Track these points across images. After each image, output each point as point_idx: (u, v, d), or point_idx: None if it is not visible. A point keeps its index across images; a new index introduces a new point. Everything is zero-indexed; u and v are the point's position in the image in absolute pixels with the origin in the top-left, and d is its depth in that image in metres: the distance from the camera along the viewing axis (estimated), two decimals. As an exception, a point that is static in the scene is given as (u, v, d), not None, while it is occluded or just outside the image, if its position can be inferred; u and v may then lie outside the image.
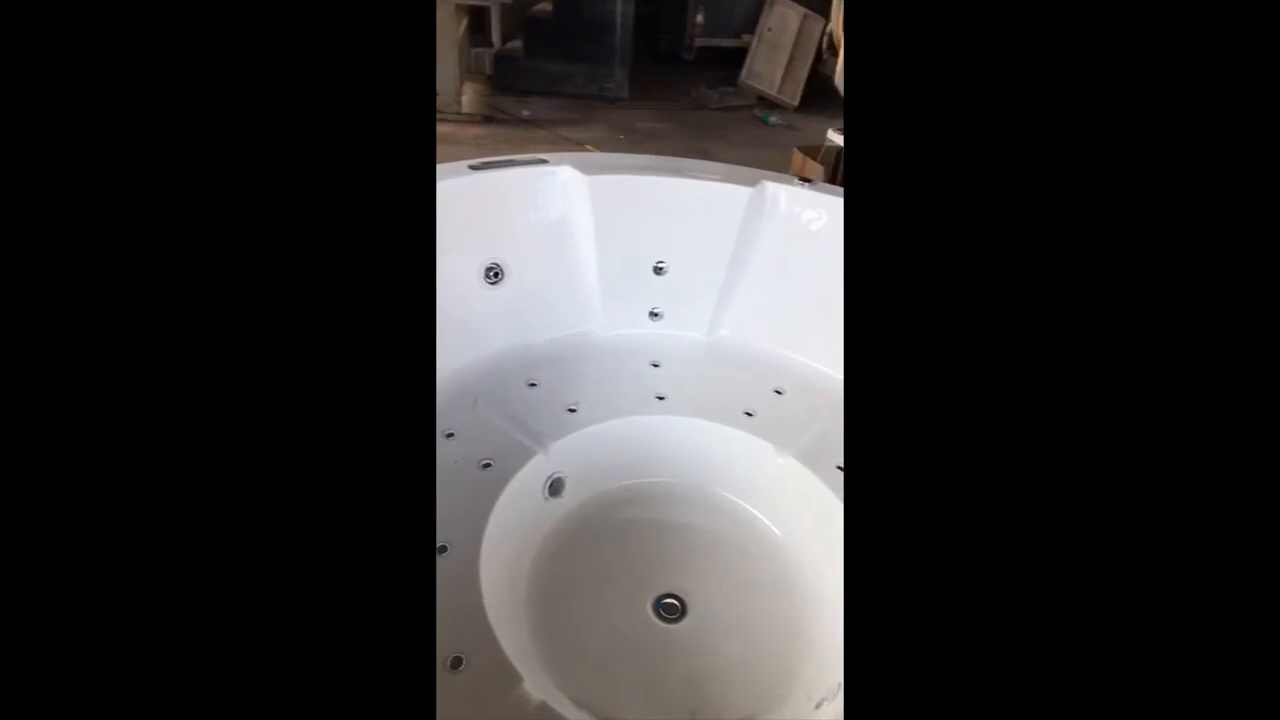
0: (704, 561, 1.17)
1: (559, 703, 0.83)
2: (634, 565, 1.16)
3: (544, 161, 1.35)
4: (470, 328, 1.32)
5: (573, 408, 1.27)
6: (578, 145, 3.81)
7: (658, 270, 1.44)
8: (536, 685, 0.84)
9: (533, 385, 1.32)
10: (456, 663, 0.86)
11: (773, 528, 1.21)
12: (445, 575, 0.96)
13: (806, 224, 1.38)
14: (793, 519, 1.19)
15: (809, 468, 1.18)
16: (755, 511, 1.24)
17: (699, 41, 5.49)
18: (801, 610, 1.09)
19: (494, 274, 1.35)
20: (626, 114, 4.52)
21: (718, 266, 1.43)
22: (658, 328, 1.45)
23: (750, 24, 5.13)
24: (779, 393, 1.36)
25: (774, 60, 4.89)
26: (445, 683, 0.84)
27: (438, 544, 0.99)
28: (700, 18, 5.41)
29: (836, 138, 2.84)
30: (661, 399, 1.31)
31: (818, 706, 0.90)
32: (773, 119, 4.68)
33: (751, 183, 1.36)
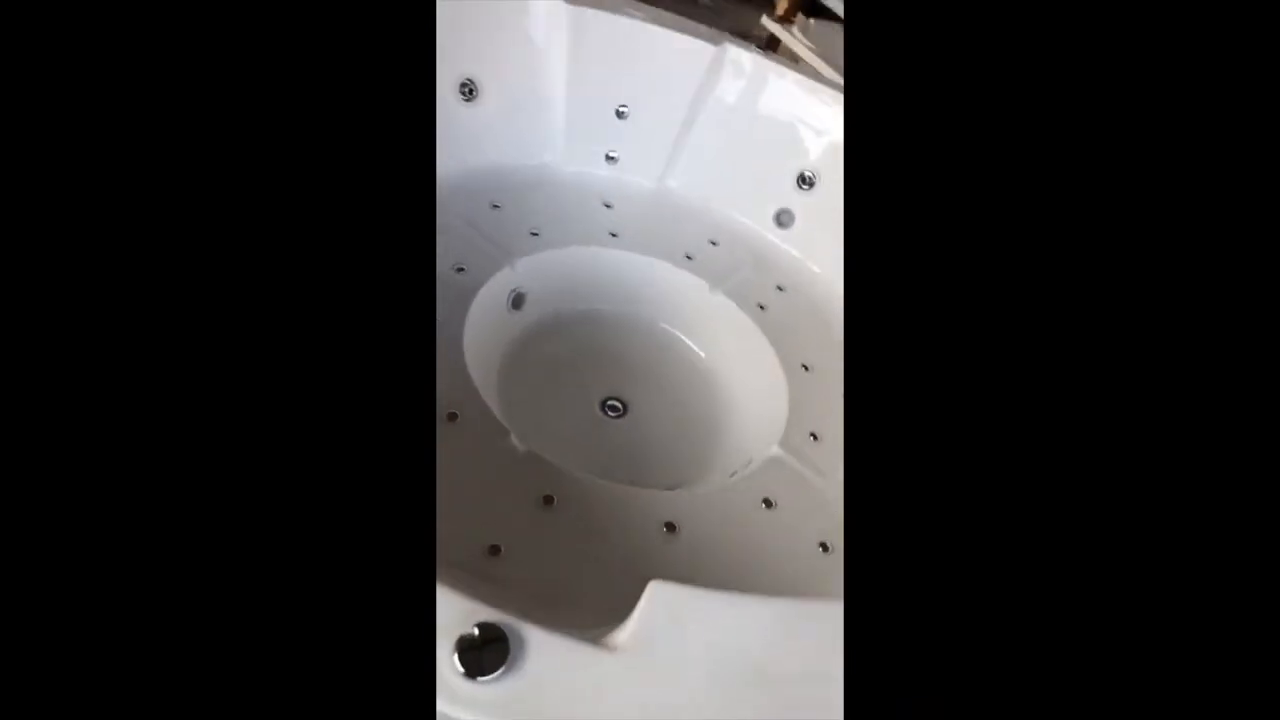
0: (641, 374, 1.37)
1: (541, 453, 1.01)
2: (583, 373, 1.33)
3: (524, -16, 1.36)
4: (440, 141, 1.35)
5: (535, 231, 1.38)
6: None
7: (619, 114, 1.52)
8: (521, 440, 1.01)
9: (496, 207, 1.40)
10: (452, 417, 1.01)
11: (699, 350, 1.43)
12: (438, 348, 1.08)
13: (758, 90, 1.52)
14: (716, 343, 1.41)
15: (736, 303, 1.39)
16: (684, 338, 1.44)
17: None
18: (720, 413, 1.33)
19: (468, 90, 1.37)
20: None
21: (675, 119, 1.53)
22: (612, 171, 1.56)
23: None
24: (714, 243, 1.54)
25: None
26: (445, 432, 0.98)
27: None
28: None
29: (769, 23, 2.91)
30: (614, 235, 1.45)
31: (732, 475, 1.15)
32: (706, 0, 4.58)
33: (715, 42, 1.46)
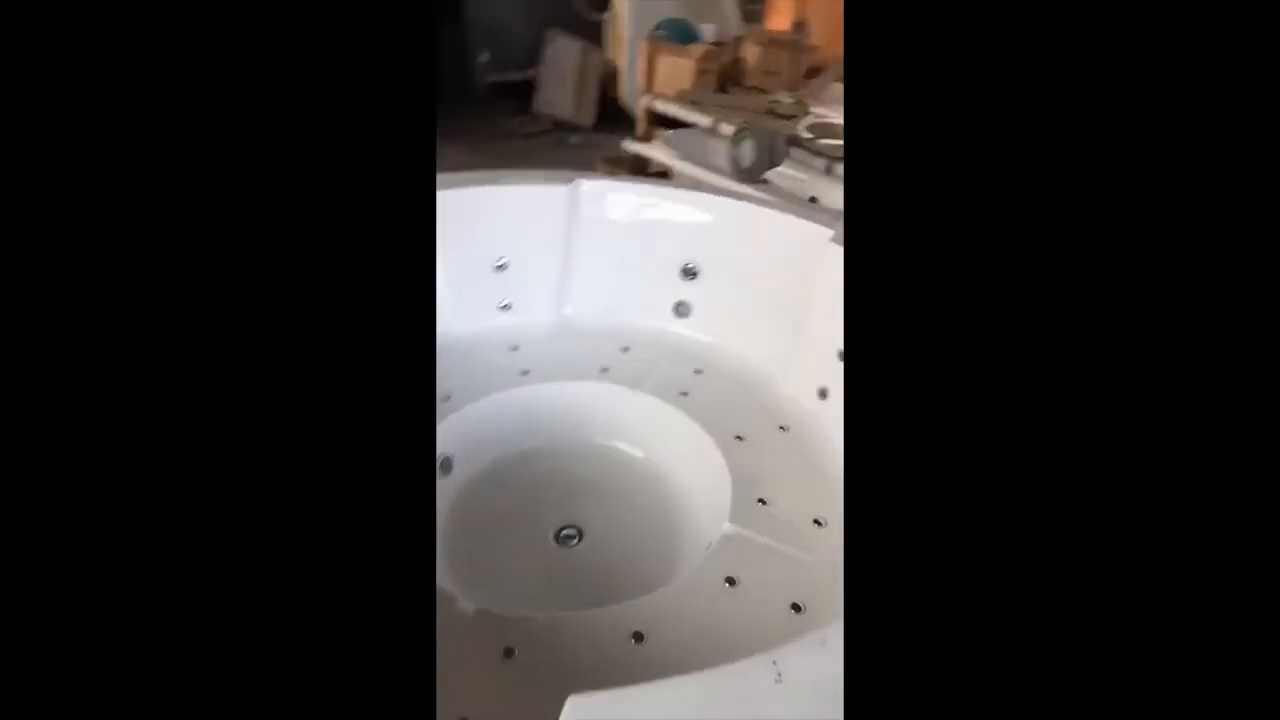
0: (590, 495, 1.37)
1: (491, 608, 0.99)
2: (531, 512, 1.33)
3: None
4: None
5: (445, 397, 1.42)
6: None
7: (499, 268, 1.63)
8: (470, 601, 0.99)
9: (406, 384, 1.45)
10: (397, 600, 0.99)
11: (636, 453, 1.44)
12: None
13: (618, 208, 1.65)
14: (651, 441, 1.44)
15: (659, 398, 1.43)
16: (620, 444, 1.46)
17: (490, 78, 5.73)
18: (671, 508, 1.33)
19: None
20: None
21: (552, 256, 1.65)
22: (509, 317, 1.64)
23: (533, 57, 5.46)
24: (625, 350, 1.60)
25: (564, 87, 5.25)
26: (391, 617, 0.96)
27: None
28: (484, 57, 5.65)
29: (631, 145, 3.21)
30: (525, 373, 1.50)
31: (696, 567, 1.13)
32: (573, 139, 5.04)
33: (567, 181, 1.60)
